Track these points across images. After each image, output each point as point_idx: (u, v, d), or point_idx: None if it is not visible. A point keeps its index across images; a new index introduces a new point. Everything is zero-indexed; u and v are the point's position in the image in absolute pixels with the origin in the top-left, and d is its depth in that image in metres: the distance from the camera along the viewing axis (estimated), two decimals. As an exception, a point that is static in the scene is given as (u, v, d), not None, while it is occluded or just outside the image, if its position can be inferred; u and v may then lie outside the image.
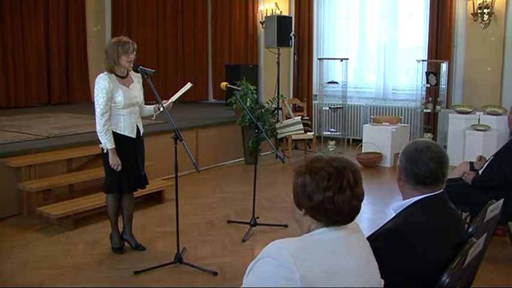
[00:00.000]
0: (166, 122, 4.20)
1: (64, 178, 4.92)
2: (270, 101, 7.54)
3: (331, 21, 8.99)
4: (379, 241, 1.76)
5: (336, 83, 8.27)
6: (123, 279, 3.42)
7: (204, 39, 10.20)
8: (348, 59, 8.01)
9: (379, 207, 5.10)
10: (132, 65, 3.67)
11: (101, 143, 3.67)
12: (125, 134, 3.71)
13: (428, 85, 7.43)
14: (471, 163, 4.12)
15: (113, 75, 3.64)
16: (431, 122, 7.78)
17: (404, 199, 1.96)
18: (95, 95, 3.61)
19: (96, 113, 3.60)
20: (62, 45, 9.47)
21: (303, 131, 7.52)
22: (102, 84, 3.58)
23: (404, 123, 7.85)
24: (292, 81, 9.16)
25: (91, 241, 4.11)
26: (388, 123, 7.33)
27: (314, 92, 8.90)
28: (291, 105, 8.18)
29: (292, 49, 8.79)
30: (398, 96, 8.33)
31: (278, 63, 8.07)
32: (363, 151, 7.30)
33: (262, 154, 7.37)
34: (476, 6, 7.29)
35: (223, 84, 4.40)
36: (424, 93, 7.60)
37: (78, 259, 3.75)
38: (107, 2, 10.34)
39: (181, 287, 3.31)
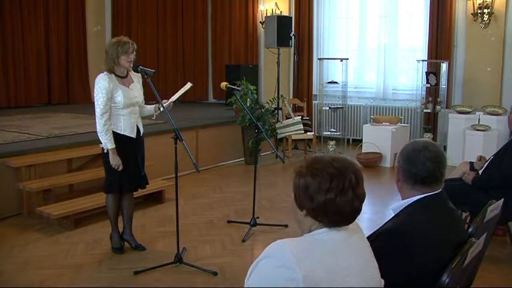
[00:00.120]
0: (166, 122, 4.20)
1: (64, 178, 4.92)
2: (270, 101, 7.54)
3: (331, 21, 8.99)
4: (378, 241, 1.76)
5: (336, 83, 8.27)
6: (123, 279, 3.42)
7: (204, 39, 10.20)
8: (348, 59, 8.01)
9: (379, 207, 5.10)
10: (132, 65, 3.67)
11: (101, 143, 3.67)
12: (125, 134, 3.71)
13: (428, 85, 7.43)
14: (471, 163, 4.12)
15: (113, 75, 3.64)
16: (431, 122, 7.78)
17: (403, 199, 1.96)
18: (95, 95, 3.61)
19: (96, 113, 3.60)
20: (62, 45, 9.47)
21: (303, 131, 7.52)
22: (101, 84, 3.58)
23: (404, 123, 7.85)
24: (292, 81, 9.16)
25: (91, 241, 4.11)
26: (388, 123, 7.33)
27: (314, 92, 8.90)
28: (291, 105, 8.18)
29: (292, 49, 8.79)
30: (398, 96, 8.33)
31: (278, 63, 8.07)
32: (363, 151, 7.30)
33: (262, 154, 7.37)
34: (476, 6, 7.29)
35: (223, 84, 4.40)
36: (424, 93, 7.60)
37: (78, 259, 3.75)
38: (107, 2, 10.35)
39: (181, 287, 3.31)
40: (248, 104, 6.80)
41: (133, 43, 3.67)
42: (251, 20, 9.48)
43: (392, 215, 1.97)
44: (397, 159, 1.99)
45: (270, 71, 9.00)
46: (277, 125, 7.50)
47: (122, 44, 3.60)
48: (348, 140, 8.55)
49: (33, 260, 3.72)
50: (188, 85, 3.91)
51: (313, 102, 8.86)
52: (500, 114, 6.81)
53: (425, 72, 7.48)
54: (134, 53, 3.67)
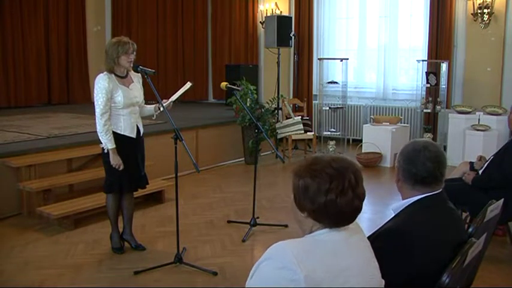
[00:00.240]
0: (166, 122, 4.20)
1: (64, 178, 4.92)
2: (270, 101, 7.54)
3: (331, 21, 8.99)
4: (378, 241, 1.76)
5: (336, 83, 8.27)
6: (123, 279, 3.42)
7: (204, 39, 10.20)
8: (348, 59, 8.01)
9: (379, 207, 5.10)
10: (132, 65, 3.67)
11: (101, 143, 3.67)
12: (125, 134, 3.71)
13: (428, 85, 7.43)
14: (471, 163, 4.12)
15: (113, 75, 3.64)
16: (431, 122, 7.78)
17: (403, 199, 1.96)
18: (95, 95, 3.61)
19: (96, 113, 3.60)
20: (62, 45, 9.47)
21: (303, 131, 7.52)
22: (101, 85, 3.58)
23: (404, 123, 7.85)
24: (292, 81, 9.16)
25: (91, 241, 4.11)
26: (388, 123, 7.33)
27: (314, 92, 8.90)
28: (291, 105, 8.17)
29: (292, 49, 8.79)
30: (398, 96, 8.33)
31: (278, 63, 8.07)
32: (363, 151, 7.30)
33: (262, 154, 7.37)
34: (476, 6, 7.29)
35: (223, 84, 4.40)
36: (424, 93, 7.60)
37: (78, 259, 3.75)
38: (107, 2, 10.35)
39: (181, 287, 3.31)
40: (248, 104, 6.80)
41: (133, 43, 3.67)
42: (251, 20, 9.48)
43: (393, 215, 1.97)
44: (397, 159, 1.99)
45: (270, 71, 9.00)
46: (277, 125, 7.50)
47: (122, 44, 3.60)
48: (348, 140, 8.55)
49: (33, 260, 3.72)
50: (188, 84, 3.92)
51: (313, 102, 8.86)
52: (500, 114, 6.81)
53: (425, 72, 7.48)
54: (134, 53, 3.67)
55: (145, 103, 3.98)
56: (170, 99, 3.86)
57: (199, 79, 10.03)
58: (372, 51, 8.61)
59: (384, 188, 5.95)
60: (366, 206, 5.70)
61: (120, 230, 3.98)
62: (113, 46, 3.60)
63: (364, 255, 1.54)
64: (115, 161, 3.64)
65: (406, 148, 1.97)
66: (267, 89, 9.18)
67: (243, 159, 7.25)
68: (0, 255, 3.80)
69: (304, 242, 1.49)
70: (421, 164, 1.89)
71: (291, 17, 8.59)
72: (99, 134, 3.64)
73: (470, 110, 7.04)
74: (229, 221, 4.63)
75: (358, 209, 1.50)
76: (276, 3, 9.08)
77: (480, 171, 3.85)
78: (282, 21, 7.94)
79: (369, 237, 1.75)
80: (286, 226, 4.44)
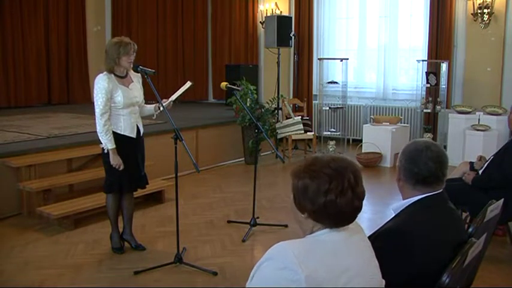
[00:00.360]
0: (166, 122, 4.20)
1: (64, 178, 4.92)
2: (270, 101, 7.54)
3: (331, 21, 8.99)
4: (379, 241, 1.76)
5: (336, 83, 8.27)
6: (123, 279, 3.42)
7: (204, 39, 10.20)
8: (348, 59, 8.01)
9: (379, 207, 5.10)
10: (131, 65, 3.67)
11: (101, 143, 3.67)
12: (125, 134, 3.71)
13: (428, 85, 7.43)
14: (471, 163, 4.12)
15: (112, 75, 3.64)
16: (431, 122, 7.78)
17: (404, 199, 1.96)
18: (94, 95, 3.61)
19: (96, 114, 3.60)
20: (62, 45, 9.47)
21: (303, 131, 7.52)
22: (101, 85, 3.57)
23: (404, 123, 7.85)
24: (292, 81, 9.16)
25: (91, 241, 4.11)
26: (388, 123, 7.33)
27: (314, 92, 8.90)
28: (291, 105, 8.17)
29: (292, 49, 8.79)
30: (398, 96, 8.33)
31: (278, 63, 8.07)
32: (363, 151, 7.30)
33: (262, 154, 7.37)
34: (476, 6, 7.29)
35: (223, 84, 4.40)
36: (424, 93, 7.60)
37: (78, 259, 3.75)
38: (107, 2, 10.35)
39: (181, 287, 3.31)
40: (248, 104, 6.80)
41: (134, 44, 3.67)
42: (251, 20, 9.48)
43: (393, 215, 1.97)
44: (399, 158, 1.99)
45: (270, 71, 9.00)
46: (277, 125, 7.50)
47: (124, 44, 3.60)
48: (348, 140, 8.55)
49: (33, 260, 3.72)
50: (188, 84, 3.92)
51: (313, 102, 8.86)
52: (500, 114, 6.81)
53: (425, 72, 7.48)
54: (134, 53, 3.67)
55: (146, 103, 3.98)
56: (170, 99, 3.87)
57: (199, 79, 10.03)
58: (372, 51, 8.61)
59: (384, 188, 5.95)
60: (366, 206, 5.68)
61: (120, 230, 3.98)
62: (114, 46, 3.59)
63: (365, 255, 1.54)
64: (115, 161, 3.64)
65: (407, 148, 1.97)
66: (267, 89, 9.18)
67: (243, 159, 7.25)
68: (0, 255, 3.80)
69: (305, 242, 1.49)
70: (423, 163, 1.89)
71: (291, 17, 8.59)
72: (99, 134, 3.63)
73: (470, 110, 7.04)
74: (229, 221, 4.63)
75: (358, 209, 1.50)
76: (276, 3, 9.08)
77: (480, 171, 3.85)
78: (282, 21, 7.94)
79: (369, 237, 1.75)
80: (286, 226, 4.44)
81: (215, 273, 3.47)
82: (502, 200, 2.42)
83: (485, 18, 7.25)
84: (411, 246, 1.74)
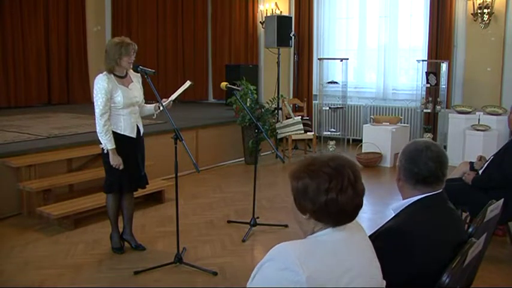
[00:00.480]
0: (166, 122, 4.20)
1: (64, 178, 4.92)
2: (270, 101, 7.54)
3: (331, 21, 8.99)
4: (378, 241, 1.76)
5: (336, 83, 8.27)
6: (123, 279, 3.42)
7: (204, 39, 10.20)
8: (348, 59, 8.01)
9: (379, 207, 5.10)
10: (131, 65, 3.67)
11: (101, 143, 3.67)
12: (125, 134, 3.71)
13: (428, 85, 7.43)
14: (471, 163, 4.12)
15: (112, 75, 3.64)
16: (431, 122, 7.78)
17: (404, 199, 1.96)
18: (94, 95, 3.61)
19: (96, 114, 3.60)
20: (62, 45, 9.48)
21: (303, 131, 7.52)
22: (101, 85, 3.57)
23: (404, 123, 7.85)
24: (292, 81, 9.16)
25: (91, 241, 4.11)
26: (388, 123, 7.33)
27: (314, 92, 8.90)
28: (291, 105, 8.18)
29: (292, 49, 8.79)
30: (398, 96, 8.33)
31: (278, 63, 8.07)
32: (363, 151, 7.30)
33: (262, 154, 7.37)
34: (476, 6, 7.29)
35: (223, 84, 4.40)
36: (424, 93, 7.60)
37: (78, 259, 3.75)
38: (107, 2, 10.35)
39: (181, 287, 3.31)
40: (248, 104, 6.80)
41: (134, 44, 3.68)
42: (251, 20, 9.48)
43: (393, 215, 1.97)
44: (399, 158, 1.99)
45: (270, 71, 9.00)
46: (277, 125, 7.50)
47: (125, 45, 3.59)
48: (348, 140, 8.55)
49: (33, 260, 3.72)
50: (187, 83, 3.92)
51: (313, 102, 8.86)
52: (500, 114, 6.81)
53: (425, 72, 7.48)
54: (135, 54, 3.67)
55: (146, 103, 3.98)
56: (170, 99, 3.87)
57: (199, 79, 10.03)
58: (372, 51, 8.61)
59: (384, 188, 5.95)
60: (366, 206, 5.68)
61: (120, 230, 3.98)
62: (115, 47, 3.59)
63: (366, 256, 1.54)
64: (115, 161, 3.64)
65: (407, 148, 1.97)
66: (267, 89, 9.18)
67: (243, 159, 7.25)
68: (0, 255, 3.80)
69: (306, 243, 1.49)
70: (423, 163, 1.89)
71: (291, 17, 8.59)
72: (98, 135, 3.63)
73: (470, 110, 7.04)
74: (229, 221, 4.63)
75: (359, 206, 1.50)
76: (276, 3, 9.08)
77: (480, 171, 3.85)
78: (282, 21, 7.94)
79: (369, 237, 1.75)
80: (286, 226, 4.44)
81: (215, 273, 3.47)
82: (502, 200, 2.42)
83: (485, 18, 7.25)
84: (411, 246, 1.74)
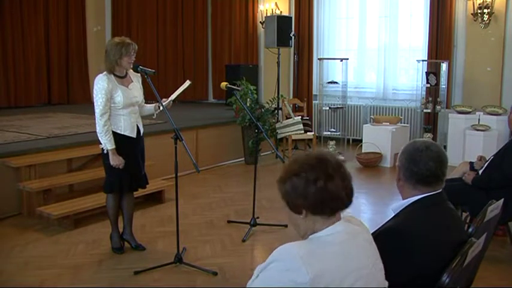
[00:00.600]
0: (166, 122, 4.20)
1: (64, 178, 4.92)
2: (270, 101, 7.54)
3: (331, 21, 8.99)
4: (378, 241, 1.75)
5: (336, 83, 8.27)
6: (123, 279, 3.42)
7: (204, 39, 10.20)
8: (348, 59, 8.02)
9: (379, 207, 5.10)
10: (131, 65, 3.67)
11: (101, 144, 3.67)
12: (125, 134, 3.71)
13: (428, 85, 7.43)
14: (471, 163, 4.12)
15: (112, 75, 3.64)
16: (431, 122, 7.78)
17: (403, 199, 1.96)
18: (94, 95, 3.61)
19: (96, 114, 3.60)
20: (62, 45, 9.48)
21: (303, 131, 7.52)
22: (101, 85, 3.57)
23: (404, 123, 7.85)
24: (292, 81, 9.16)
25: (91, 241, 4.11)
26: (388, 123, 7.33)
27: (314, 92, 8.90)
28: (291, 105, 8.18)
29: (292, 49, 8.79)
30: (399, 96, 8.33)
31: (278, 63, 8.07)
32: (363, 151, 7.29)
33: (262, 154, 7.37)
34: (476, 6, 7.29)
35: (223, 84, 4.40)
36: (424, 93, 7.60)
37: (78, 259, 3.75)
38: (107, 2, 10.35)
39: (181, 287, 3.31)
40: (248, 104, 6.80)
41: (134, 44, 3.67)
42: (251, 20, 9.48)
43: (393, 215, 1.97)
44: (399, 158, 1.99)
45: (270, 71, 9.00)
46: (277, 125, 7.50)
47: (125, 45, 3.59)
48: (348, 140, 8.55)
49: (33, 260, 3.72)
50: (187, 83, 3.92)
51: (313, 102, 8.86)
52: (500, 114, 6.81)
53: (425, 72, 7.48)
54: (135, 54, 3.67)
55: (146, 103, 3.98)
56: (170, 98, 3.87)
57: (199, 79, 10.03)
58: (372, 51, 8.61)
59: (384, 188, 5.94)
60: (366, 206, 5.71)
61: (120, 230, 3.98)
62: (115, 47, 3.58)
63: (370, 257, 1.54)
64: (115, 161, 3.64)
65: (407, 147, 1.97)
66: (267, 89, 9.18)
67: (243, 159, 7.25)
68: (0, 255, 3.80)
69: (310, 243, 1.49)
70: (423, 163, 1.89)
71: (291, 17, 8.59)
72: (98, 135, 3.63)
73: (470, 110, 7.04)
74: (229, 221, 4.63)
75: (351, 190, 1.53)
76: (276, 3, 9.08)
77: (480, 171, 3.85)
78: (282, 21, 7.95)
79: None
80: (286, 226, 4.43)
81: (215, 273, 3.47)
82: (502, 200, 2.42)
83: (485, 18, 7.25)
84: (411, 246, 1.74)
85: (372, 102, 8.56)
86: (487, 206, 2.26)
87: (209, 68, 10.29)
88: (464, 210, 3.82)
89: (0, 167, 4.63)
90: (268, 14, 8.77)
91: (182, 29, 10.18)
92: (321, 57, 8.69)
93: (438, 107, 7.44)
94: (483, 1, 7.22)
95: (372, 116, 7.87)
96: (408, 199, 1.93)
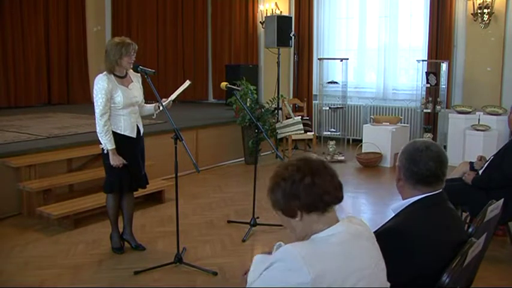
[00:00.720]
0: (166, 122, 4.20)
1: (64, 178, 4.92)
2: (270, 101, 7.54)
3: (331, 21, 8.99)
4: (378, 241, 1.75)
5: (336, 83, 8.27)
6: (123, 279, 3.42)
7: (204, 39, 10.20)
8: (348, 59, 8.02)
9: (379, 207, 5.09)
10: (131, 65, 3.67)
11: (101, 144, 3.67)
12: (125, 134, 3.71)
13: (428, 85, 7.43)
14: (471, 163, 4.12)
15: (112, 75, 3.64)
16: (431, 122, 7.78)
17: (404, 199, 1.96)
18: (94, 95, 3.61)
19: (96, 114, 3.60)
20: (62, 45, 9.48)
21: (303, 131, 7.52)
22: (101, 85, 3.57)
23: (404, 123, 7.85)
24: (292, 81, 9.16)
25: (91, 241, 4.11)
26: (388, 123, 7.33)
27: (314, 92, 8.90)
28: (291, 105, 8.18)
29: (292, 49, 8.79)
30: (399, 96, 8.33)
31: (278, 63, 8.07)
32: (363, 151, 7.29)
33: (262, 154, 7.36)
34: (476, 6, 7.29)
35: (223, 84, 4.40)
36: (424, 93, 7.60)
37: (78, 259, 3.75)
38: (107, 2, 10.35)
39: (181, 287, 3.31)
40: (248, 104, 6.80)
41: (135, 44, 3.67)
42: (251, 20, 9.48)
43: (393, 215, 1.97)
44: (399, 158, 1.99)
45: (270, 71, 9.00)
46: (277, 125, 7.50)
47: (126, 45, 3.59)
48: (348, 140, 8.55)
49: (33, 260, 3.72)
50: (187, 83, 3.92)
51: (313, 102, 8.86)
52: (500, 114, 6.81)
53: (425, 72, 7.48)
54: (135, 54, 3.67)
55: (146, 103, 3.98)
56: (170, 98, 3.87)
57: (199, 79, 10.03)
58: (372, 51, 8.61)
59: (384, 188, 5.94)
60: (366, 206, 5.70)
61: (120, 230, 3.98)
62: (115, 47, 3.58)
63: (373, 257, 1.54)
64: (115, 161, 3.64)
65: (407, 147, 1.96)
66: (267, 89, 9.18)
67: (243, 159, 7.25)
68: (0, 255, 3.80)
69: (312, 244, 1.49)
70: (423, 163, 1.89)
71: (291, 17, 8.59)
72: (98, 135, 3.63)
73: (470, 110, 7.04)
74: (229, 221, 4.63)
75: (339, 183, 1.55)
76: (276, 3, 9.08)
77: (480, 171, 3.85)
78: (282, 21, 7.94)
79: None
80: (286, 226, 4.43)
81: (215, 273, 3.47)
82: (502, 200, 2.42)
83: (485, 18, 7.25)
84: (411, 246, 1.75)
85: (371, 102, 8.56)
86: (487, 206, 2.26)
87: (209, 68, 10.29)
88: (464, 210, 3.82)
89: (0, 167, 4.63)
90: (268, 14, 8.77)
91: (182, 29, 10.18)
92: (321, 57, 8.69)
93: (438, 107, 7.44)
94: (483, 1, 7.22)
95: (372, 116, 7.87)
96: (408, 199, 1.93)
